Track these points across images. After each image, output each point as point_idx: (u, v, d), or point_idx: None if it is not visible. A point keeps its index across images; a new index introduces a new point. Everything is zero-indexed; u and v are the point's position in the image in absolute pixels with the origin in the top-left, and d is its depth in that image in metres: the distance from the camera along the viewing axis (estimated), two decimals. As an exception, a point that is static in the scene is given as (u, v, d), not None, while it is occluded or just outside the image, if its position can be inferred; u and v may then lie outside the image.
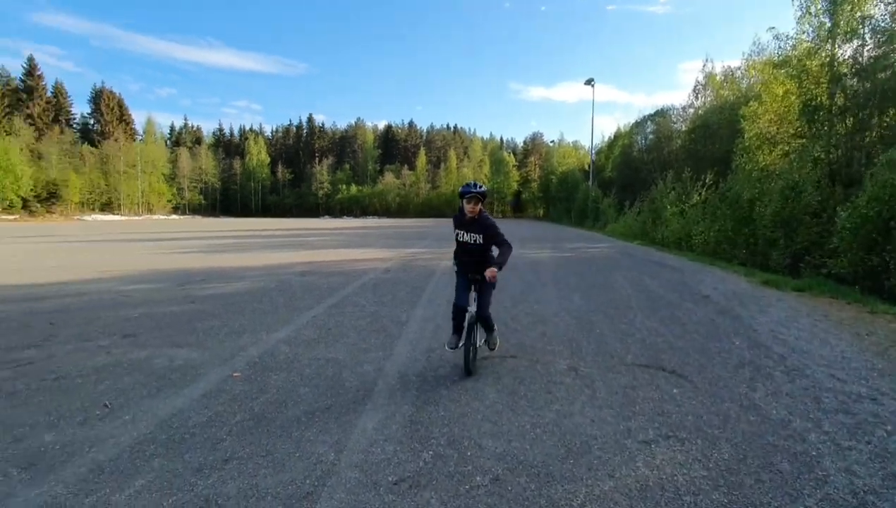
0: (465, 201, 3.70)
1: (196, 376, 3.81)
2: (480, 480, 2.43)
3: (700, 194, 17.32)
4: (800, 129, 17.52)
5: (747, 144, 19.19)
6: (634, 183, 33.33)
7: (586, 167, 50.09)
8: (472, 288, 3.93)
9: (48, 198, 55.74)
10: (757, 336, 5.16)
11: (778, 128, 19.26)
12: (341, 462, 2.57)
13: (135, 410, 3.19)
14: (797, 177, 12.29)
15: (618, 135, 47.02)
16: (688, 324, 5.65)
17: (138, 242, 18.31)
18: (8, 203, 48.28)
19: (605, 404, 3.37)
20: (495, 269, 3.58)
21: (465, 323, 3.82)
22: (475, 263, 3.82)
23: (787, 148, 17.31)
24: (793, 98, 18.28)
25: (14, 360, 4.15)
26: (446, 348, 3.98)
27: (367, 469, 2.51)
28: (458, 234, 3.87)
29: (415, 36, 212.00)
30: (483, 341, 4.19)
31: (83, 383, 3.65)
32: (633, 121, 42.23)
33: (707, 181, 17.59)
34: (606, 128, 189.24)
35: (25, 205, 50.87)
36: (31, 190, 51.36)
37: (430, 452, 2.69)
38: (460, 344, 3.87)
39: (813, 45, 17.19)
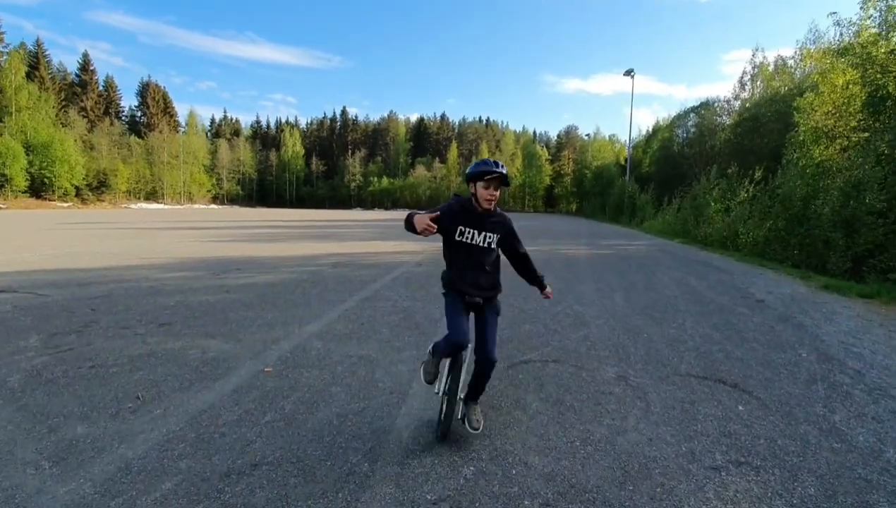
0: (478, 185, 2.54)
1: (228, 369, 3.71)
2: (529, 504, 2.18)
3: (748, 191, 16.33)
4: (863, 122, 16.24)
5: (801, 138, 17.94)
6: (674, 178, 32.01)
7: (623, 162, 48.60)
8: (468, 316, 2.67)
9: (98, 186, 58.69)
10: (826, 348, 4.67)
11: (836, 122, 17.91)
12: (375, 475, 2.37)
13: (166, 404, 3.10)
14: (860, 173, 11.30)
15: (657, 129, 45.35)
16: (745, 332, 5.19)
17: (178, 230, 18.87)
18: (63, 191, 51.10)
19: (661, 420, 3.05)
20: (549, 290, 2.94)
21: (456, 360, 2.61)
22: (481, 276, 2.64)
23: (846, 142, 16.11)
24: (855, 88, 16.96)
25: (56, 346, 4.18)
26: (421, 377, 2.81)
27: (403, 485, 2.30)
28: (459, 233, 2.60)
29: (449, 28, 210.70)
30: (460, 413, 2.78)
31: (118, 373, 3.61)
32: (673, 114, 40.51)
33: (756, 177, 16.55)
34: (644, 121, 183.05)
35: (78, 193, 53.73)
36: (84, 178, 54.16)
37: (472, 468, 2.46)
38: (439, 387, 2.75)
39: (880, 32, 15.86)
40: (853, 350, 4.60)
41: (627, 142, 47.00)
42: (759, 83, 31.91)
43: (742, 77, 33.13)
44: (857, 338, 5.00)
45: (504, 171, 2.51)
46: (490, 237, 2.63)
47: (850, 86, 17.04)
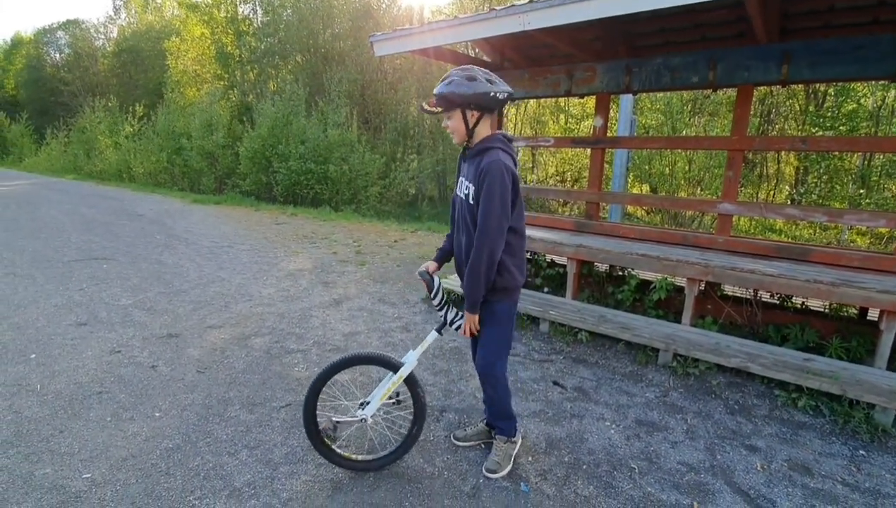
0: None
1: None
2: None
3: (133, 125, 18.37)
4: (218, 72, 21.58)
5: (176, 79, 21.60)
6: (55, 107, 29.18)
7: (-32, 78, 37.96)
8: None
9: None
10: (174, 232, 7.66)
11: (201, 68, 22.69)
12: None
13: None
14: (212, 115, 15.82)
15: (18, 42, 38.17)
16: (121, 234, 7.40)
17: None
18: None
19: (48, 282, 4.71)
20: (469, 318, 2.01)
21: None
22: (464, 246, 2.04)
23: (212, 87, 20.79)
24: (209, 42, 21.97)
25: None
26: None
27: None
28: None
29: None
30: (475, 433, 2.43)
31: None
32: (35, 27, 35.31)
33: (139, 112, 18.77)
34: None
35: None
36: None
37: None
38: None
39: (218, -1, 20.99)
40: (189, 230, 7.84)
41: (-29, 50, 36.85)
42: (133, 12, 33.39)
43: (115, 0, 33.34)
44: (196, 225, 8.38)
45: (442, 90, 1.86)
46: (468, 187, 1.95)
47: (204, 39, 21.86)
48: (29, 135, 26.93)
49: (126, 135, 17.93)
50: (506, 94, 1.89)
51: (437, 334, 2.15)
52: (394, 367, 2.12)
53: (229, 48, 21.03)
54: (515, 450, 2.32)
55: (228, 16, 21.61)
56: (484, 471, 2.20)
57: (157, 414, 2.61)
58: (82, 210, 9.95)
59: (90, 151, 19.56)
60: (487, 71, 1.89)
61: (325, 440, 2.07)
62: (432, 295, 2.12)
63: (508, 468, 2.23)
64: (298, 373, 3.10)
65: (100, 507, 1.95)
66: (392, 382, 2.09)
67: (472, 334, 2.07)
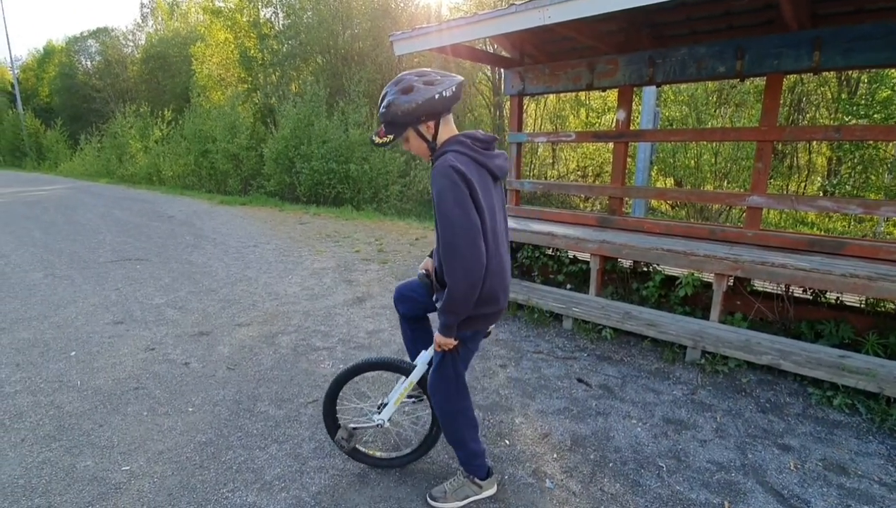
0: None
1: None
2: None
3: (162, 130, 18.88)
4: (242, 76, 22.01)
5: (202, 83, 22.10)
6: (88, 114, 30.22)
7: (9, 88, 39.57)
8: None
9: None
10: (202, 232, 7.85)
11: (225, 72, 23.17)
12: None
13: None
14: (235, 118, 16.13)
15: (51, 50, 39.61)
16: (152, 235, 7.62)
17: None
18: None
19: (85, 282, 4.89)
20: (438, 337, 1.76)
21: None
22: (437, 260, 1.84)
23: (236, 91, 21.22)
24: (232, 47, 22.40)
25: None
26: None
27: None
28: None
29: None
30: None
31: None
32: (66, 35, 36.55)
33: (167, 117, 19.28)
34: (31, 40, 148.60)
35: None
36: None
37: None
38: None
39: (241, 2, 21.40)
40: (218, 230, 8.02)
41: (10, 61, 38.39)
42: (159, 19, 34.29)
43: (142, 8, 34.35)
44: (223, 225, 8.57)
45: (384, 115, 1.67)
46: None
47: (229, 43, 22.29)
48: (64, 140, 27.94)
49: (155, 140, 18.44)
50: (453, 88, 1.65)
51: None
52: (405, 371, 2.06)
53: (252, 52, 21.39)
54: (474, 496, 1.98)
55: (251, 20, 21.98)
56: (427, 496, 2.00)
57: (191, 409, 2.69)
58: (116, 212, 10.28)
59: (122, 156, 20.19)
60: (422, 71, 1.67)
61: (342, 447, 2.07)
62: (434, 298, 1.95)
63: (456, 505, 1.96)
64: (324, 370, 3.15)
65: (138, 498, 2.03)
66: (405, 387, 2.05)
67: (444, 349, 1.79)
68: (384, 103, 1.65)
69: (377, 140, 1.70)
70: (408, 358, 2.21)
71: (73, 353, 3.38)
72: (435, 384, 1.89)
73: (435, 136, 1.70)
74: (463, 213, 1.55)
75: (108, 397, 2.82)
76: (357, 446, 2.17)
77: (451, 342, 1.75)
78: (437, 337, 1.74)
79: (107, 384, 2.97)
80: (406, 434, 2.38)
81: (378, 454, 2.23)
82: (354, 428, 2.11)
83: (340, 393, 2.14)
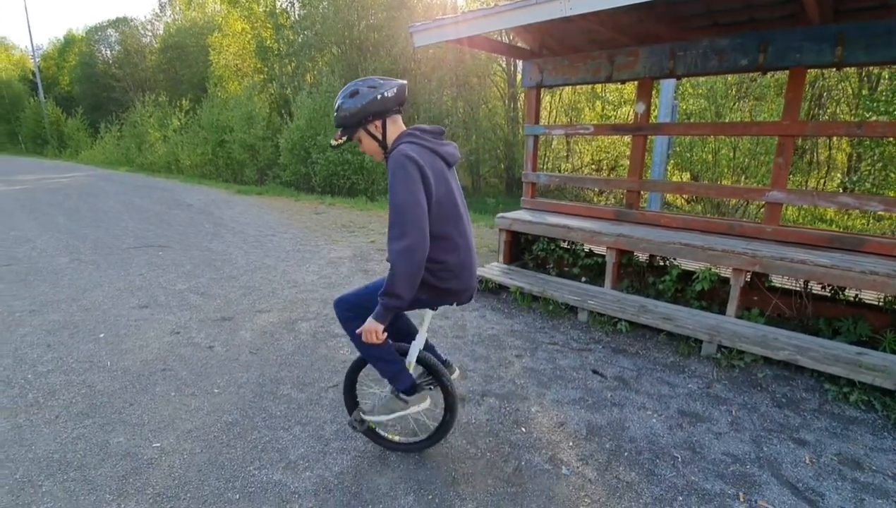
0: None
1: None
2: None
3: (180, 119, 19.09)
4: (258, 66, 22.11)
5: (219, 73, 22.27)
6: (107, 103, 30.63)
7: (31, 77, 40.21)
8: None
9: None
10: (221, 221, 7.97)
11: (242, 62, 23.31)
12: None
13: None
14: (251, 109, 16.24)
15: (71, 39, 40.08)
16: (173, 223, 7.75)
17: None
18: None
19: (110, 267, 5.02)
20: (369, 326, 1.76)
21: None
22: None
23: (252, 81, 21.33)
24: (249, 37, 22.51)
25: None
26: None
27: None
28: None
29: None
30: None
31: None
32: (86, 25, 36.91)
33: (184, 106, 19.47)
34: (52, 29, 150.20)
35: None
36: None
37: None
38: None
39: (257, -10, 21.36)
40: (234, 219, 8.14)
41: (32, 49, 39.04)
42: (177, 9, 34.51)
43: (160, -1, 34.53)
44: (240, 214, 8.69)
45: (336, 119, 1.82)
46: None
47: (244, 33, 22.38)
48: (84, 129, 28.37)
49: (174, 129, 18.64)
50: (395, 89, 1.78)
51: (432, 310, 2.07)
52: (404, 354, 2.10)
53: (268, 42, 21.46)
54: (401, 411, 2.06)
55: (267, 10, 22.01)
56: (360, 413, 2.12)
57: (216, 391, 2.78)
58: (136, 200, 10.46)
59: (141, 144, 20.46)
60: (368, 78, 1.81)
61: (355, 428, 2.12)
62: None
63: (380, 418, 2.08)
64: (343, 356, 3.21)
65: (170, 474, 2.11)
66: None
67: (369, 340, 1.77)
68: (336, 109, 1.81)
69: (333, 143, 1.89)
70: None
71: (101, 335, 3.49)
72: (340, 305, 2.01)
73: (384, 135, 1.83)
74: (410, 195, 1.63)
75: (137, 377, 2.91)
76: (378, 430, 2.23)
77: (380, 331, 1.75)
78: (369, 323, 1.74)
79: (135, 365, 3.07)
80: (423, 420, 2.43)
81: (396, 438, 2.29)
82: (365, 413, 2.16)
83: (359, 376, 2.20)
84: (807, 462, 2.24)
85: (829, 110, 11.80)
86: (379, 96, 1.76)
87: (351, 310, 1.97)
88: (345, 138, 1.85)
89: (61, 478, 2.08)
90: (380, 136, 1.83)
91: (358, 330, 1.80)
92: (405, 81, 1.85)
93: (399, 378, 2.04)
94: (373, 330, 1.75)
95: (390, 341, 2.05)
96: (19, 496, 1.98)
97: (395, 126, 1.85)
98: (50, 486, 2.03)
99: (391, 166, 1.67)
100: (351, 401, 2.23)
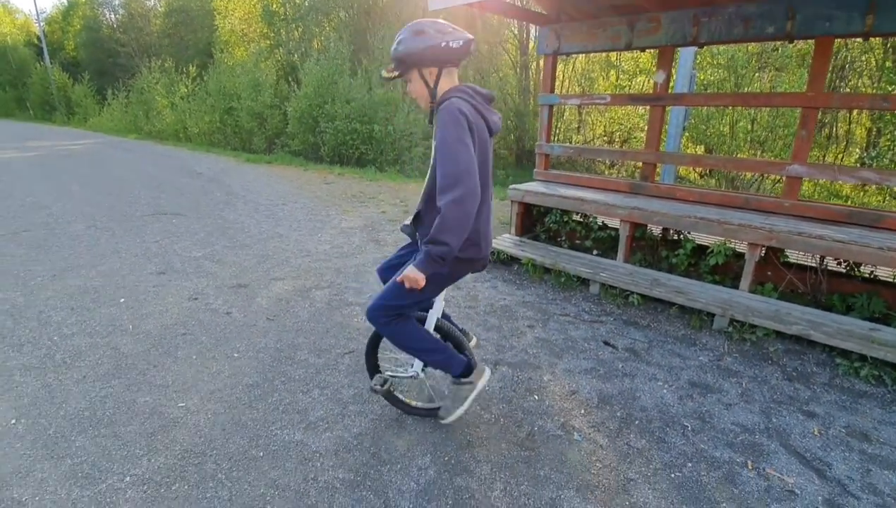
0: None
1: None
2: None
3: (187, 86, 18.87)
4: (264, 31, 21.67)
5: (225, 39, 21.88)
6: (113, 68, 30.28)
7: (36, 41, 39.73)
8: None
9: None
10: (231, 190, 7.99)
11: (248, 27, 22.85)
12: None
13: None
14: (258, 75, 15.99)
15: (74, 2, 39.34)
16: (184, 191, 7.78)
17: None
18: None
19: (126, 234, 5.09)
20: (411, 271, 1.71)
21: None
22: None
23: (259, 47, 20.93)
24: (255, 0, 21.99)
25: None
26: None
27: None
28: None
29: None
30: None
31: None
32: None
33: (191, 73, 19.21)
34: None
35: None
36: None
37: None
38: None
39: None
40: (245, 187, 8.15)
41: (36, 13, 38.45)
42: (182, -29, 33.60)
43: (163, -40, 33.55)
44: (251, 183, 8.69)
45: (395, 51, 1.75)
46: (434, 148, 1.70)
47: (250, -3, 21.81)
48: (91, 95, 28.16)
49: (181, 96, 18.45)
50: (461, 42, 1.71)
51: None
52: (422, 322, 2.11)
53: (274, 6, 20.95)
54: (473, 392, 2.05)
55: (275, -28, 21.37)
56: (439, 420, 2.11)
57: (236, 355, 2.85)
58: (147, 168, 10.48)
59: (149, 112, 20.31)
60: (438, 21, 1.73)
61: (376, 391, 2.13)
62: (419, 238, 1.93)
63: (460, 410, 2.03)
64: (358, 324, 3.27)
65: (196, 432, 2.19)
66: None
67: (411, 288, 1.74)
68: (397, 41, 1.74)
69: (384, 74, 1.82)
70: None
71: (122, 300, 3.57)
72: (374, 314, 1.91)
73: (436, 84, 1.77)
74: (464, 145, 1.61)
75: (159, 341, 2.99)
76: (396, 393, 2.29)
77: (421, 280, 1.70)
78: (410, 270, 1.69)
79: (156, 329, 3.14)
80: (439, 387, 2.49)
81: (413, 402, 2.35)
82: (391, 376, 2.22)
83: (382, 343, 2.25)
84: (815, 433, 2.28)
85: (850, 83, 11.44)
86: (443, 44, 1.69)
87: (388, 315, 1.91)
88: (397, 74, 1.79)
89: (93, 434, 2.17)
90: (432, 83, 1.77)
91: (399, 277, 1.75)
92: (473, 37, 1.76)
93: (451, 364, 2.03)
94: (414, 277, 1.69)
95: (427, 329, 2.06)
96: (54, 450, 2.07)
97: (449, 78, 1.79)
98: (83, 441, 2.12)
99: (444, 118, 1.63)
100: (372, 366, 2.29)
